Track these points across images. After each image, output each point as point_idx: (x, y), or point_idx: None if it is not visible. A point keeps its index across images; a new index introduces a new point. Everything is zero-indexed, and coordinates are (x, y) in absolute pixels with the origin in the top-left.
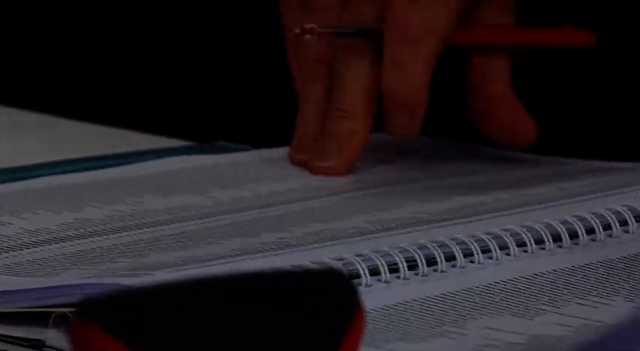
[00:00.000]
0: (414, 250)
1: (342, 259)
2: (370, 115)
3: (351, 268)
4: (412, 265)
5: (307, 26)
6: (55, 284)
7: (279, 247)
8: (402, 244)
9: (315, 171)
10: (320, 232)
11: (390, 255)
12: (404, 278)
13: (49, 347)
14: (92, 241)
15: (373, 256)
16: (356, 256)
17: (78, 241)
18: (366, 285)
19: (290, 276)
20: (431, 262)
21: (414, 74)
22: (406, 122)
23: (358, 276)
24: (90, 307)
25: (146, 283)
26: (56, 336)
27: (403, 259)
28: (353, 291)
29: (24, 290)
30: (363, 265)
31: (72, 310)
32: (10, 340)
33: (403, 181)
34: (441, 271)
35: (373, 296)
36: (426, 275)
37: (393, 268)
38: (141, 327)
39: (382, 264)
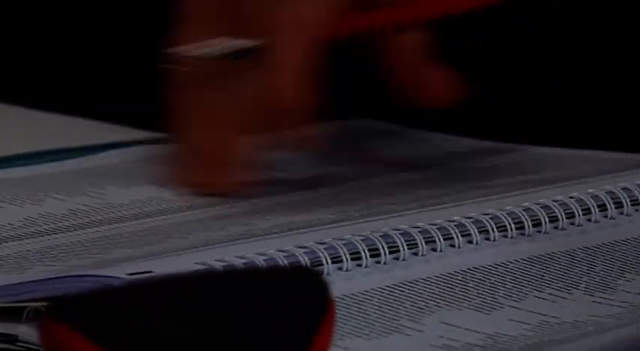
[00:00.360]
0: (376, 238)
1: (305, 247)
2: (238, 125)
3: (312, 257)
4: (375, 254)
5: (169, 51)
6: (25, 280)
7: (244, 238)
8: (364, 233)
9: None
10: (284, 225)
11: (352, 243)
12: (365, 266)
13: (23, 342)
14: (56, 238)
15: (335, 244)
16: (318, 243)
17: (42, 238)
18: (327, 273)
19: (262, 273)
20: (393, 250)
21: (284, 76)
22: (287, 131)
23: (320, 264)
24: (60, 306)
25: (116, 282)
26: (29, 331)
27: (365, 247)
28: (324, 288)
29: None
30: (325, 253)
31: (44, 304)
32: None
33: (365, 175)
34: (403, 260)
35: (334, 286)
36: (387, 264)
37: (356, 257)
38: (112, 326)
39: (344, 252)
